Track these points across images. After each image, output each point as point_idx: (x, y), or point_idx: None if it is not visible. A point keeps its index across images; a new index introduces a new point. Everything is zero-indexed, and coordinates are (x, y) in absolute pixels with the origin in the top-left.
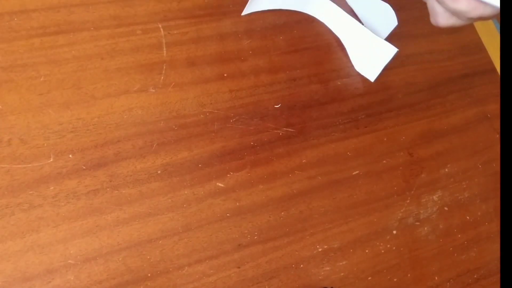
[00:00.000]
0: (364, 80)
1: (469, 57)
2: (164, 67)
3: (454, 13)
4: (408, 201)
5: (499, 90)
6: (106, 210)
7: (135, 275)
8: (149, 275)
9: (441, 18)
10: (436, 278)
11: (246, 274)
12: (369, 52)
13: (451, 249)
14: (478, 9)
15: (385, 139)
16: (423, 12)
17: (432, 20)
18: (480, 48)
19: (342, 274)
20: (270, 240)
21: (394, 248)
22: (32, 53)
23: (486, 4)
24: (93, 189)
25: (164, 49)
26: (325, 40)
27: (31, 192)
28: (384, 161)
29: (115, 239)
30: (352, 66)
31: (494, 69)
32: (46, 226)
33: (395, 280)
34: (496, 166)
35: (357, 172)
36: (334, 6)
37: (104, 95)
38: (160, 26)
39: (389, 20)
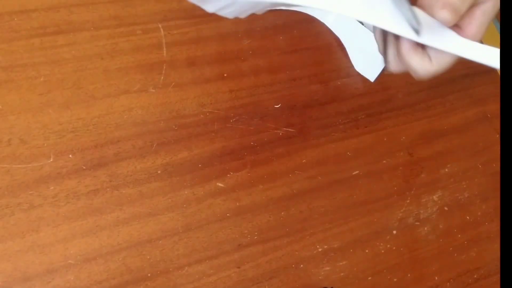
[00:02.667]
0: (364, 80)
1: None
2: (164, 67)
3: (409, 69)
4: (408, 201)
5: (499, 90)
6: (106, 210)
7: (135, 275)
8: (149, 275)
9: (392, 65)
10: (436, 278)
11: (246, 274)
12: (369, 52)
13: (451, 249)
14: (430, 69)
15: (385, 139)
16: None
17: (387, 67)
18: None
19: (342, 274)
20: (270, 240)
21: (394, 248)
22: (32, 53)
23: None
24: (93, 189)
25: (164, 49)
26: (325, 40)
27: (31, 192)
28: (384, 161)
29: (115, 239)
30: (352, 66)
31: (494, 69)
32: (46, 226)
33: (395, 280)
34: (496, 166)
35: (357, 172)
36: None
37: (104, 95)
38: (160, 26)
39: None
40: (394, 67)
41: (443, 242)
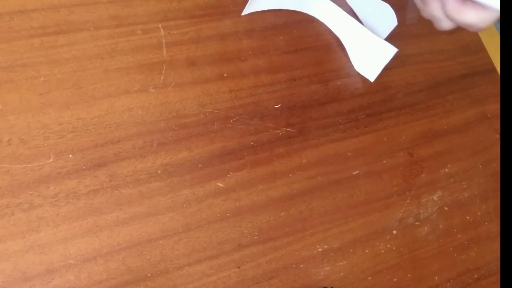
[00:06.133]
0: (364, 80)
1: (469, 57)
2: (164, 67)
3: (463, 25)
4: (408, 201)
5: (499, 90)
6: (106, 210)
7: (135, 275)
8: (149, 275)
9: (444, 23)
10: (436, 278)
11: (246, 274)
12: (369, 52)
13: (451, 249)
14: (487, 18)
15: (385, 139)
16: None
17: (437, 26)
18: (480, 48)
19: (342, 274)
20: (270, 240)
21: (394, 248)
22: (32, 53)
23: (490, 9)
24: (93, 189)
25: (164, 49)
26: (325, 40)
27: (31, 192)
28: (384, 161)
29: (115, 239)
30: (352, 66)
31: (494, 69)
32: (46, 226)
33: (395, 280)
34: (496, 166)
35: (357, 172)
36: (334, 6)
37: (104, 95)
38: (160, 26)
39: (389, 20)
40: (447, 25)
41: (443, 242)
